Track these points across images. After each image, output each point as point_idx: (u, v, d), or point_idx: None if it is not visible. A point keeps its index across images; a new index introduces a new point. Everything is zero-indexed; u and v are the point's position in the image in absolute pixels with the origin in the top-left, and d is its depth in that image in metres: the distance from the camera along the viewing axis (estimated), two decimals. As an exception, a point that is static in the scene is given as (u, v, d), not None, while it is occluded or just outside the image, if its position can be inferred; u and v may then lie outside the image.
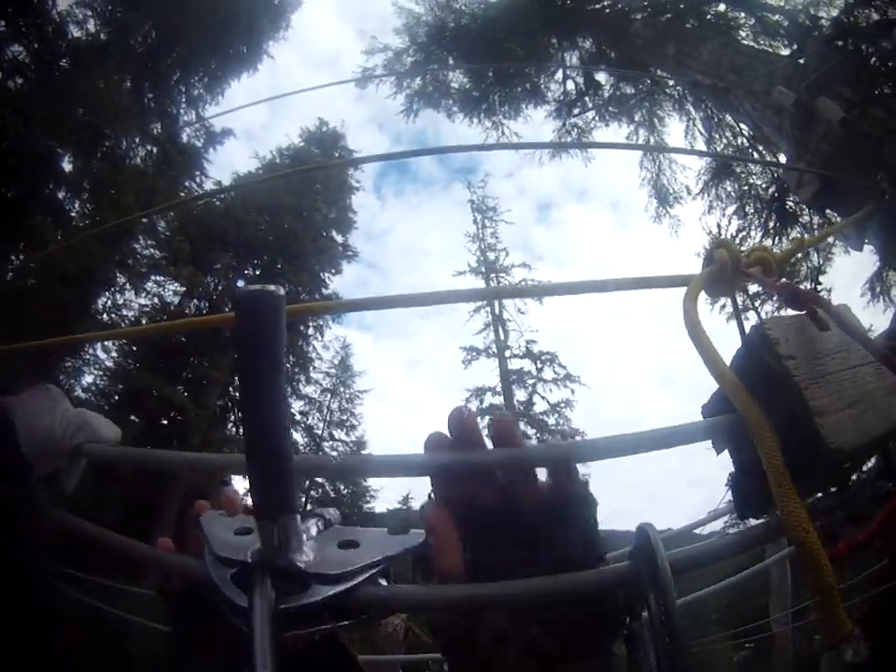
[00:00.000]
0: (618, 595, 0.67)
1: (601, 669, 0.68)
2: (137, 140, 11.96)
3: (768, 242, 7.03)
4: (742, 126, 7.39)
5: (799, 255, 6.96)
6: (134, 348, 15.14)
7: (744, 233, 7.61)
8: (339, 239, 20.77)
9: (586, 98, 9.12)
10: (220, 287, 17.98)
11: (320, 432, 24.12)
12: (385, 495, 32.88)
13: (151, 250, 14.84)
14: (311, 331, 19.78)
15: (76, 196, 10.92)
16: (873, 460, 0.82)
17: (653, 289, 1.24)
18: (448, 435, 0.68)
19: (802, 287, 0.87)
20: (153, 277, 15.68)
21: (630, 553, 0.64)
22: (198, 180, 14.55)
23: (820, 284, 7.08)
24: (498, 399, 21.22)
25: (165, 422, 15.39)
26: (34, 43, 9.69)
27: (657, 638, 0.58)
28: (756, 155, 7.60)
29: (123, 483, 12.38)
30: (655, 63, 7.28)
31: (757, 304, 7.43)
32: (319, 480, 23.95)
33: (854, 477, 0.80)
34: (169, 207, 11.60)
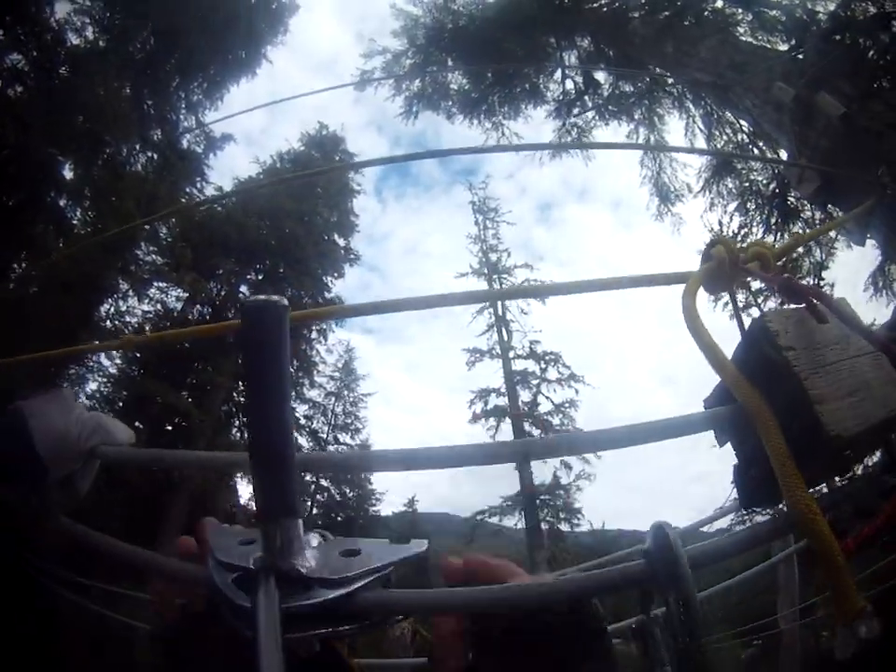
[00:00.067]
0: (592, 604, 0.68)
1: None
2: (137, 146, 11.99)
3: (770, 238, 7.02)
4: (742, 122, 7.38)
5: (799, 249, 6.95)
6: (138, 354, 15.18)
7: (746, 230, 7.59)
8: (340, 243, 20.82)
9: (585, 97, 9.12)
10: (223, 293, 18.01)
11: (325, 435, 24.15)
12: (391, 497, 32.96)
13: (153, 256, 14.86)
14: (314, 335, 19.79)
15: (77, 203, 10.94)
16: (877, 455, 0.83)
17: (654, 288, 1.25)
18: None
19: (801, 280, 0.88)
20: (156, 283, 15.71)
21: (645, 552, 0.63)
22: (199, 186, 14.58)
23: (823, 279, 7.06)
24: (503, 400, 21.21)
25: (170, 427, 15.43)
26: (33, 51, 9.70)
27: (677, 636, 0.57)
28: (756, 151, 7.60)
29: (128, 489, 12.39)
30: (654, 62, 7.28)
31: (760, 301, 7.42)
32: (325, 484, 24.00)
33: (859, 471, 0.80)
34: (172, 213, 11.61)
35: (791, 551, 3.09)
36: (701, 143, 8.35)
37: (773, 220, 7.10)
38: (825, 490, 0.79)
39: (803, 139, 3.24)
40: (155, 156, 12.58)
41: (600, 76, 8.87)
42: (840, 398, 0.70)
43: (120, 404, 15.18)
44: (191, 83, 12.70)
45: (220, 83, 13.02)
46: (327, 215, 20.05)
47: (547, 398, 21.22)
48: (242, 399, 17.00)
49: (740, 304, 0.96)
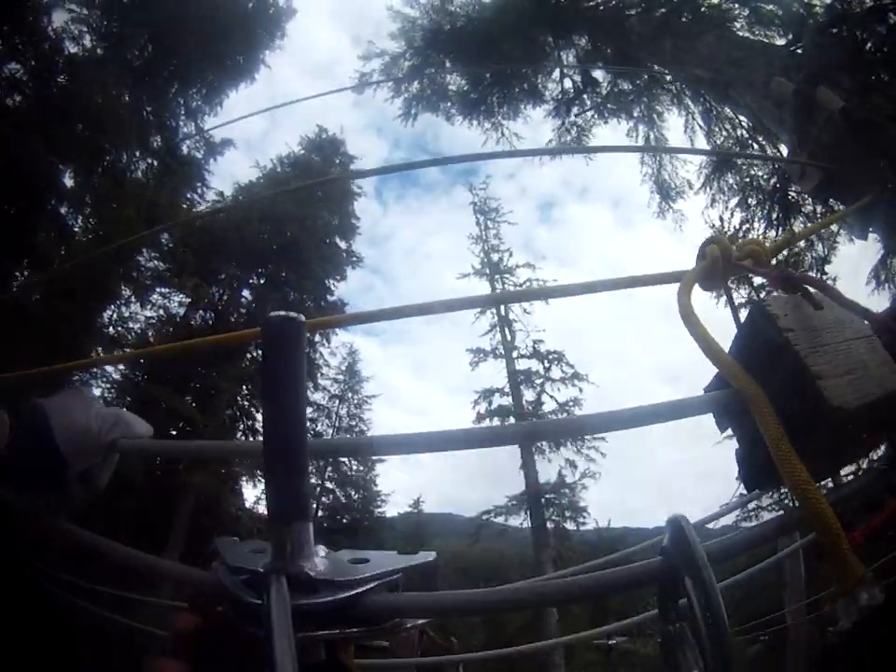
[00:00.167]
0: None
1: None
2: (137, 153, 12.01)
3: (772, 233, 7.00)
4: (741, 118, 7.37)
5: (801, 245, 6.94)
6: (141, 360, 15.20)
7: (747, 225, 7.59)
8: (342, 245, 20.80)
9: (584, 96, 9.11)
10: (225, 297, 18.02)
11: (329, 438, 24.13)
12: (396, 498, 32.95)
13: (155, 262, 14.88)
14: (318, 338, 19.79)
15: (78, 211, 10.96)
16: (882, 449, 0.84)
17: (651, 287, 1.25)
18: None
19: (796, 271, 0.90)
20: (158, 289, 15.73)
21: (662, 549, 0.64)
22: (199, 191, 14.62)
23: (826, 273, 7.05)
24: (507, 400, 21.22)
25: (174, 433, 15.43)
26: (31, 60, 9.73)
27: (704, 633, 0.56)
28: (756, 146, 7.58)
29: (134, 494, 12.41)
30: (652, 59, 7.27)
31: (762, 296, 7.39)
32: (330, 486, 24.02)
33: (864, 466, 0.82)
34: (177, 225, 11.65)
35: (797, 546, 3.08)
36: (701, 139, 8.34)
37: (774, 216, 7.09)
38: (831, 485, 0.80)
39: (803, 134, 3.23)
40: (155, 162, 12.60)
41: (598, 74, 8.86)
42: (839, 375, 0.73)
43: (124, 409, 15.14)
44: (190, 89, 12.72)
45: (219, 89, 13.05)
46: (328, 218, 20.03)
47: (551, 397, 21.23)
48: (245, 403, 17.03)
49: (743, 301, 0.97)
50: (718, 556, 0.65)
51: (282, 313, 0.63)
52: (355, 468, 25.34)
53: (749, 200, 7.67)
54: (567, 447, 20.47)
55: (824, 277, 6.87)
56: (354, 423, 25.73)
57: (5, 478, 0.97)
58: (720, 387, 0.81)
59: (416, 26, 9.69)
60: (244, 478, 16.64)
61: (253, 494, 18.42)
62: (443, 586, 0.72)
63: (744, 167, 7.90)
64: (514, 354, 22.02)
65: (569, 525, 20.08)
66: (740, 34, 6.34)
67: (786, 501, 6.67)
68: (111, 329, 13.83)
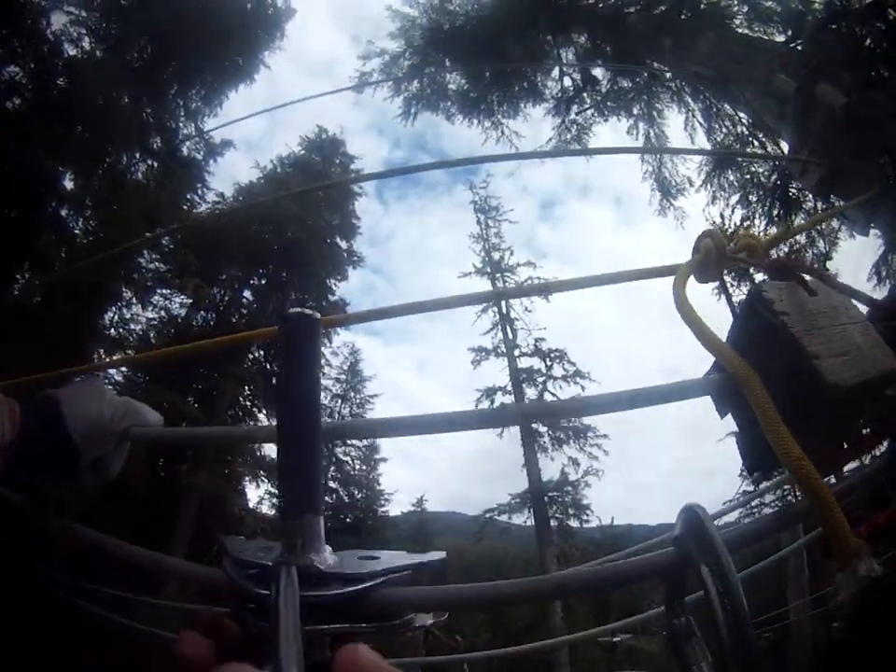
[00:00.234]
0: None
1: None
2: (138, 155, 12.00)
3: (773, 230, 6.99)
4: (741, 115, 7.36)
5: (802, 241, 6.94)
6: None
7: (748, 223, 7.57)
8: (343, 245, 20.78)
9: (584, 94, 9.10)
10: (227, 298, 18.02)
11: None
12: (399, 497, 32.97)
13: (156, 264, 14.87)
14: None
15: (79, 214, 10.96)
16: (885, 445, 0.85)
17: (656, 284, 1.26)
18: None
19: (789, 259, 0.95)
20: (159, 290, 15.71)
21: (675, 538, 0.64)
22: (200, 192, 14.60)
23: (827, 269, 7.04)
24: (509, 399, 21.23)
25: (177, 434, 15.42)
26: (30, 63, 9.73)
27: (722, 621, 0.55)
28: (756, 143, 7.58)
29: (137, 495, 12.42)
30: (652, 56, 7.26)
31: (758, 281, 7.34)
32: (333, 486, 24.03)
33: (866, 462, 0.83)
34: (183, 228, 11.66)
35: (801, 543, 3.08)
36: (701, 136, 8.33)
37: (775, 212, 7.08)
38: (833, 481, 0.81)
39: (804, 131, 3.23)
40: (155, 164, 12.59)
41: (598, 72, 8.86)
42: (834, 355, 0.76)
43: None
44: (190, 91, 12.70)
45: (219, 90, 13.02)
46: (329, 218, 20.02)
47: (553, 395, 21.21)
48: (248, 404, 17.03)
49: (743, 297, 0.99)
50: (737, 542, 0.66)
51: (298, 309, 0.65)
52: (358, 467, 25.37)
53: (750, 197, 7.66)
54: (570, 445, 20.51)
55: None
56: (356, 423, 25.69)
57: (18, 467, 0.98)
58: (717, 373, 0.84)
59: (416, 25, 9.69)
60: (247, 478, 16.67)
61: (256, 494, 18.44)
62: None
63: (745, 164, 7.89)
64: (516, 352, 22.02)
65: (573, 523, 20.12)
66: (739, 31, 6.34)
67: (788, 497, 6.68)
68: (112, 330, 13.83)
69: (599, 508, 20.83)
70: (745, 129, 7.71)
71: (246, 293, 18.55)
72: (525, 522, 20.40)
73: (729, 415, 0.86)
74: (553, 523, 19.49)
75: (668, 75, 7.64)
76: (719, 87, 5.51)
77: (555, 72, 9.12)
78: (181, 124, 13.09)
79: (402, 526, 28.28)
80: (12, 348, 7.45)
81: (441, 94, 9.67)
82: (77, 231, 11.06)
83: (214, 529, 13.51)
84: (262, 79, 13.89)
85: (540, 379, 21.53)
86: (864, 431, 0.88)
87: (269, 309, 17.47)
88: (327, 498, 23.62)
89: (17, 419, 0.98)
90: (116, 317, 14.06)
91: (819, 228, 6.77)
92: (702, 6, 6.78)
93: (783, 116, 3.94)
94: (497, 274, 23.23)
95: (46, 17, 10.05)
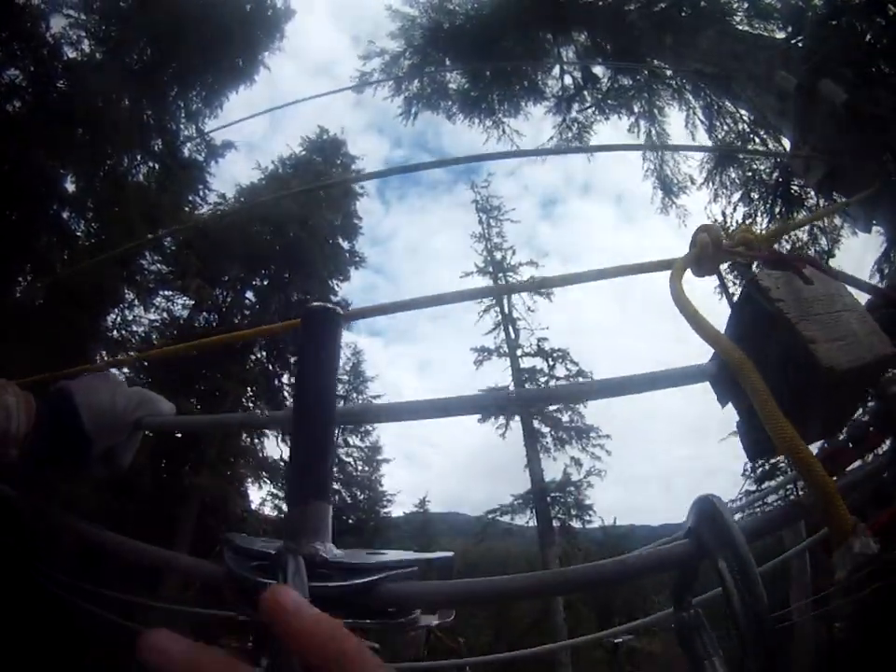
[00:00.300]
0: None
1: None
2: (139, 157, 12.02)
3: (774, 227, 6.98)
4: (742, 112, 7.35)
5: (804, 238, 6.93)
6: (146, 362, 15.21)
7: (750, 220, 7.56)
8: (345, 245, 20.77)
9: (585, 92, 9.10)
10: (229, 299, 18.03)
11: (335, 438, 24.17)
12: (402, 498, 32.96)
13: (158, 265, 14.88)
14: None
15: (80, 215, 10.97)
16: (888, 442, 0.84)
17: (656, 284, 1.27)
18: None
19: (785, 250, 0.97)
20: (161, 292, 15.72)
21: (690, 530, 0.63)
22: (201, 194, 14.60)
23: (829, 266, 7.01)
24: (511, 398, 21.20)
25: (179, 434, 15.45)
26: (30, 66, 9.74)
27: (741, 613, 0.55)
28: (758, 140, 7.56)
29: (140, 495, 12.44)
30: (652, 54, 7.25)
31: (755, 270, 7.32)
32: (335, 487, 24.02)
33: (868, 459, 0.83)
34: (184, 229, 11.66)
35: (805, 545, 3.07)
36: (702, 134, 8.32)
37: (777, 209, 7.06)
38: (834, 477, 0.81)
39: (807, 127, 3.22)
40: (156, 165, 12.60)
41: (599, 70, 8.85)
42: (830, 341, 0.77)
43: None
44: (190, 92, 12.72)
45: (219, 91, 13.05)
46: (330, 218, 20.02)
47: (555, 395, 21.16)
48: (250, 405, 17.03)
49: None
50: (752, 533, 0.66)
51: (320, 303, 0.69)
52: (360, 468, 25.38)
53: (752, 194, 7.65)
54: (573, 445, 20.51)
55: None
56: (359, 423, 25.69)
57: (34, 458, 0.99)
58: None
59: (416, 25, 9.67)
60: (249, 479, 16.68)
61: (259, 496, 18.45)
62: None
63: (746, 161, 7.87)
64: (518, 352, 22.05)
65: (575, 524, 20.14)
66: (740, 27, 6.32)
67: (791, 496, 6.66)
68: (115, 332, 13.84)
69: (602, 508, 20.87)
70: (746, 126, 7.70)
71: (249, 294, 18.55)
72: (527, 522, 20.43)
73: (730, 407, 0.87)
74: (555, 523, 19.49)
75: (669, 72, 7.63)
76: (720, 84, 5.50)
77: (556, 70, 9.12)
78: (182, 126, 13.13)
79: (405, 527, 28.30)
80: (14, 350, 7.46)
81: (442, 94, 9.66)
82: (78, 233, 11.07)
83: (216, 530, 13.53)
84: (262, 80, 13.93)
85: (543, 379, 21.54)
86: (870, 429, 0.87)
87: (271, 309, 17.46)
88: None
89: (32, 412, 0.99)
90: (118, 319, 14.08)
91: (821, 225, 6.76)
92: (702, 3, 6.77)
93: (784, 113, 3.93)
94: (500, 274, 23.24)
95: (45, 20, 10.08)
